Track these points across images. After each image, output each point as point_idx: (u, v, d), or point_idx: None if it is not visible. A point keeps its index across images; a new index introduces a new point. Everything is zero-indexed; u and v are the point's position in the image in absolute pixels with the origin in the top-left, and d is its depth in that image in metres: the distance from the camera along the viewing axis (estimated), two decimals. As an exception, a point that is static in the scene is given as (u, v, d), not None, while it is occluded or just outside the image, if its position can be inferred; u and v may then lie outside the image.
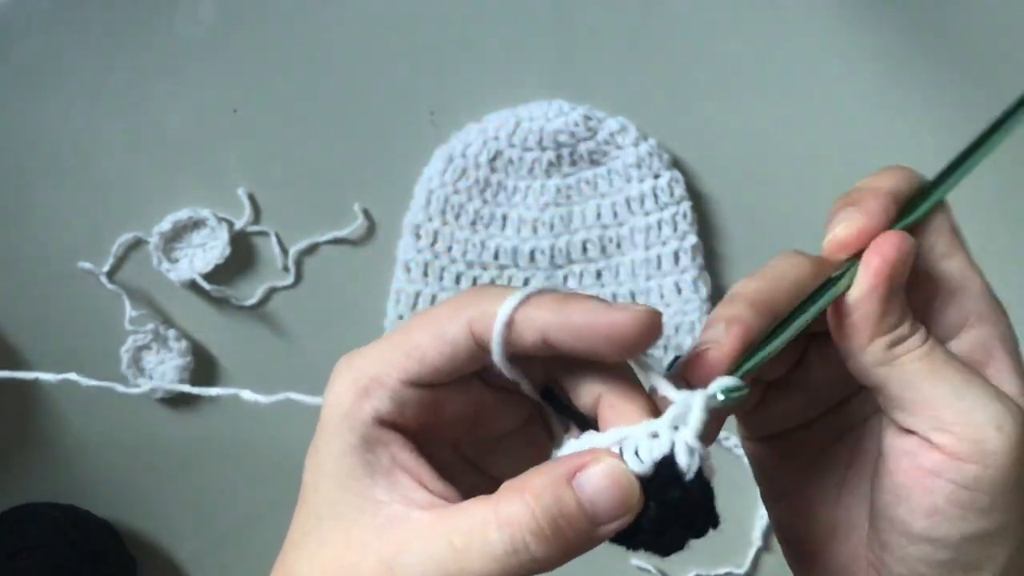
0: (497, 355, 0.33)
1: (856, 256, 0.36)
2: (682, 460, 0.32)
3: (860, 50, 0.72)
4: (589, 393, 0.35)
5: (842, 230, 0.36)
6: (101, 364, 0.73)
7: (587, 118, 0.70)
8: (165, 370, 0.73)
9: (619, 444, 0.32)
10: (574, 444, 0.33)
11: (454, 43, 0.73)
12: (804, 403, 0.40)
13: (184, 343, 0.73)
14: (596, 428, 0.34)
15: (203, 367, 0.74)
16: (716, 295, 0.73)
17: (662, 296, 0.72)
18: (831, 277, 0.36)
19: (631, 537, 0.33)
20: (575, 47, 0.72)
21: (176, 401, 0.75)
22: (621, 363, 0.34)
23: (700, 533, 0.34)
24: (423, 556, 0.31)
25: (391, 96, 0.73)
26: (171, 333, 0.73)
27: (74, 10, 0.72)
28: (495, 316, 0.33)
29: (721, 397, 0.33)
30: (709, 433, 0.33)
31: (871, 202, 0.36)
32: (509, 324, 0.33)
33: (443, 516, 0.32)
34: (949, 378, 0.34)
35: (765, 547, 0.74)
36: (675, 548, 0.34)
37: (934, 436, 0.34)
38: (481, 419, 0.37)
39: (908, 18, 0.73)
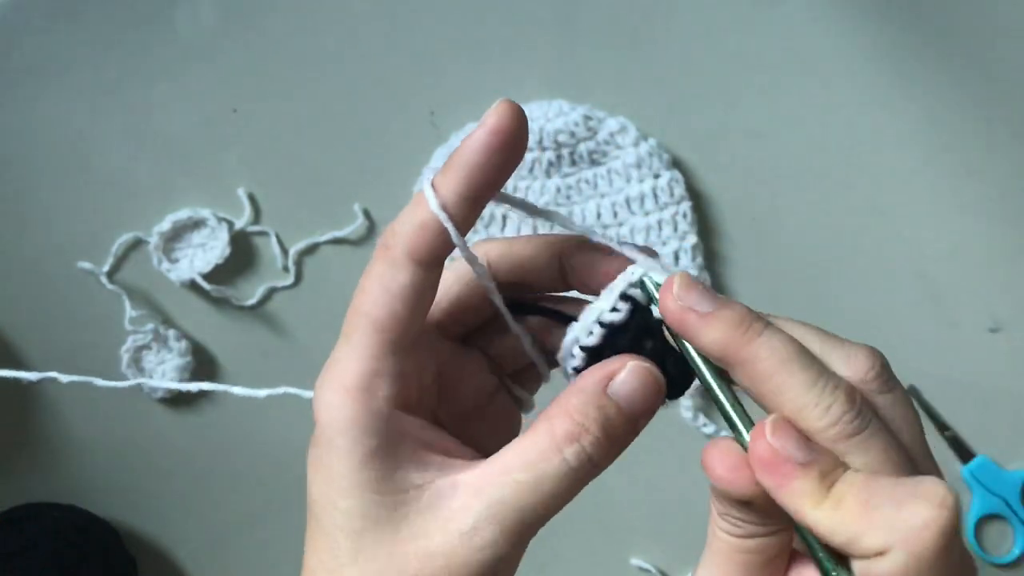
0: (454, 235, 0.34)
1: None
2: (640, 295, 0.36)
3: (860, 50, 0.72)
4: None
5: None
6: (101, 364, 0.73)
7: (587, 118, 0.70)
8: (165, 370, 0.73)
9: (601, 311, 0.36)
10: (568, 331, 0.36)
11: (454, 43, 0.73)
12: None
13: (184, 343, 0.73)
14: (571, 319, 0.37)
15: (203, 367, 0.74)
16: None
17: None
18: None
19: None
20: (575, 47, 0.72)
21: (176, 401, 0.75)
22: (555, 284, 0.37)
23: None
24: (492, 505, 0.33)
25: (391, 96, 0.73)
26: (171, 333, 0.73)
27: (74, 10, 0.72)
28: (419, 220, 0.33)
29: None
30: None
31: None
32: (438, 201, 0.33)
33: (494, 465, 0.33)
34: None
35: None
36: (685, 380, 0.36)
37: None
38: (450, 384, 0.37)
39: (908, 18, 0.73)
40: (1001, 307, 0.73)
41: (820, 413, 0.32)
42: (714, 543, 0.35)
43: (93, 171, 0.73)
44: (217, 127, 0.73)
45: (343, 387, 0.34)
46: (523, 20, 0.72)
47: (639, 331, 0.36)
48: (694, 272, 0.72)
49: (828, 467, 0.32)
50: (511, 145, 0.33)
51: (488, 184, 0.33)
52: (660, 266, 0.36)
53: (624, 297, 0.35)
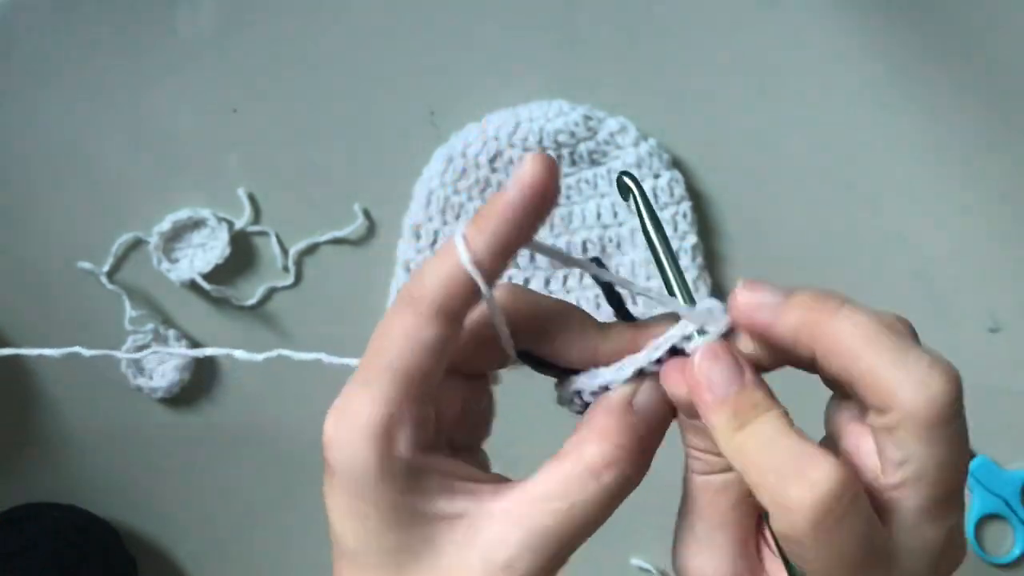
0: (484, 291, 0.33)
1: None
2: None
3: (860, 50, 0.72)
4: (577, 350, 0.36)
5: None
6: (101, 364, 0.73)
7: (587, 118, 0.70)
8: (165, 370, 0.73)
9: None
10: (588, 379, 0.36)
11: (454, 43, 0.73)
12: None
13: (184, 343, 0.73)
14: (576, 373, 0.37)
15: (203, 367, 0.74)
16: (716, 295, 0.73)
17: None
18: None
19: None
20: (575, 47, 0.72)
21: (176, 401, 0.75)
22: (589, 324, 0.37)
23: None
24: (530, 535, 0.33)
25: (391, 96, 0.73)
26: (171, 333, 0.73)
27: (74, 10, 0.72)
28: (445, 269, 0.33)
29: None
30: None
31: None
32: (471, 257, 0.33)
33: (527, 494, 0.33)
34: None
35: (765, 547, 0.75)
36: None
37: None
38: (470, 412, 0.37)
39: (908, 18, 0.73)
40: (1001, 307, 0.73)
41: (915, 390, 0.31)
42: (685, 487, 0.36)
43: (93, 171, 0.73)
44: (217, 127, 0.73)
45: (362, 432, 0.33)
46: (523, 20, 0.72)
47: None
48: (694, 272, 0.72)
49: (744, 407, 0.33)
50: (545, 200, 0.33)
51: (521, 239, 0.33)
52: (701, 320, 0.35)
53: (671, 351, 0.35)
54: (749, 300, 0.34)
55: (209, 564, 0.77)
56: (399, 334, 0.34)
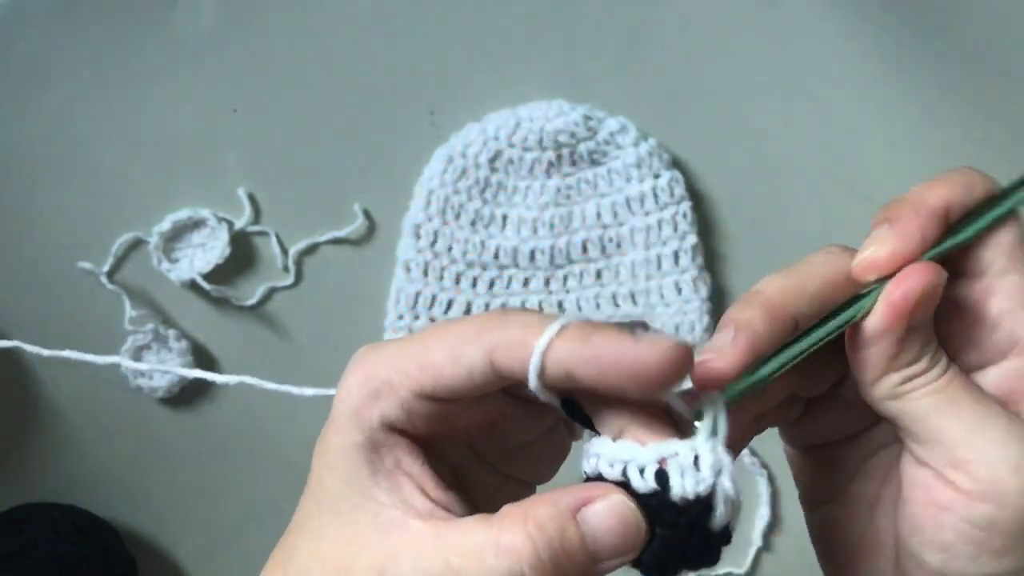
0: (534, 385, 0.32)
1: (887, 277, 0.34)
2: (720, 507, 0.31)
3: (860, 50, 0.72)
4: (613, 423, 0.33)
5: (872, 252, 0.34)
6: (101, 364, 0.73)
7: (587, 118, 0.70)
8: (165, 370, 0.73)
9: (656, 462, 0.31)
10: (600, 445, 0.33)
11: (454, 43, 0.73)
12: (845, 418, 0.38)
13: (184, 343, 0.73)
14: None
15: (203, 367, 0.74)
16: (716, 295, 0.73)
17: (662, 296, 0.72)
18: (858, 294, 0.34)
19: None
20: (575, 47, 0.72)
21: (176, 401, 0.75)
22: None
23: (697, 567, 0.32)
24: (418, 568, 0.31)
25: (391, 96, 0.73)
26: (171, 333, 0.73)
27: (74, 10, 0.72)
28: (519, 345, 0.31)
29: (722, 425, 0.32)
30: (733, 448, 0.32)
31: (909, 221, 0.34)
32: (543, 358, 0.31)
33: (441, 532, 0.32)
34: (965, 414, 0.33)
35: (765, 547, 0.74)
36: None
37: (947, 473, 0.33)
38: (499, 429, 0.36)
39: (908, 18, 0.73)
40: (1001, 307, 0.73)
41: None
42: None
43: (93, 171, 0.73)
44: (217, 127, 0.73)
45: (362, 381, 0.33)
46: (523, 20, 0.72)
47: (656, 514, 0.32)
48: (694, 272, 0.72)
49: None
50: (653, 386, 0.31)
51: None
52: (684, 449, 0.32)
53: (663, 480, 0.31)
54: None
55: (209, 564, 0.77)
56: (452, 338, 0.32)
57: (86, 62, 0.72)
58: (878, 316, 0.33)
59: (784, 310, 0.34)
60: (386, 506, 0.33)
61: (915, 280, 0.33)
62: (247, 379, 0.44)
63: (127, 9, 0.72)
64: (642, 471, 0.31)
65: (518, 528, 0.31)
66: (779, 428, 0.39)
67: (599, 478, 0.32)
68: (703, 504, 0.31)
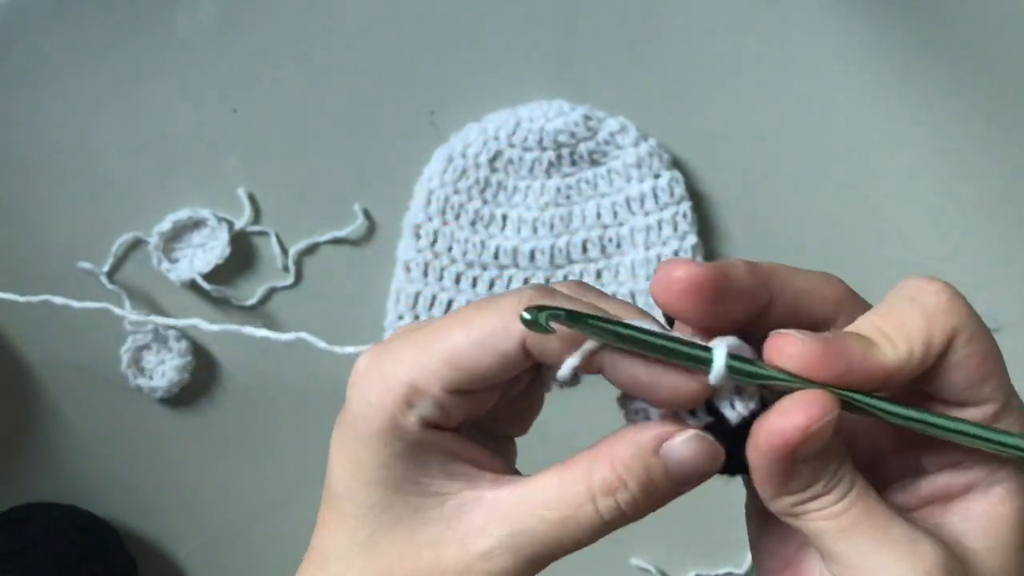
0: (566, 374, 0.32)
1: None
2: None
3: (860, 50, 0.72)
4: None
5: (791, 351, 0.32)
6: (101, 364, 0.73)
7: (587, 118, 0.70)
8: (165, 370, 0.73)
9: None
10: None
11: (454, 43, 0.73)
12: None
13: (184, 343, 0.73)
14: None
15: (203, 367, 0.74)
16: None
17: (662, 296, 0.72)
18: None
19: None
20: (575, 47, 0.72)
21: (176, 401, 0.75)
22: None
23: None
24: (513, 535, 0.32)
25: (391, 96, 0.73)
26: (171, 333, 0.73)
27: (74, 10, 0.72)
28: (554, 337, 0.31)
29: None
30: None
31: (833, 347, 0.32)
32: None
33: (523, 492, 0.33)
34: (858, 539, 0.32)
35: (765, 547, 0.74)
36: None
37: None
38: (508, 408, 0.36)
39: (908, 18, 0.73)
40: (1001, 307, 0.73)
41: None
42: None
43: (93, 171, 0.73)
44: (217, 127, 0.73)
45: (389, 385, 0.32)
46: (523, 20, 0.72)
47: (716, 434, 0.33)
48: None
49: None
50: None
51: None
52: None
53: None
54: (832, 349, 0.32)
55: (209, 564, 0.77)
56: (479, 326, 0.32)
57: (86, 62, 0.72)
58: (759, 448, 0.32)
59: (768, 277, 0.34)
60: (451, 495, 0.33)
61: (797, 418, 0.31)
62: (304, 335, 0.42)
63: (127, 9, 0.72)
64: (692, 411, 0.33)
65: (607, 471, 0.32)
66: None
67: None
68: (755, 415, 0.32)
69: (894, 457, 0.35)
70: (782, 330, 0.32)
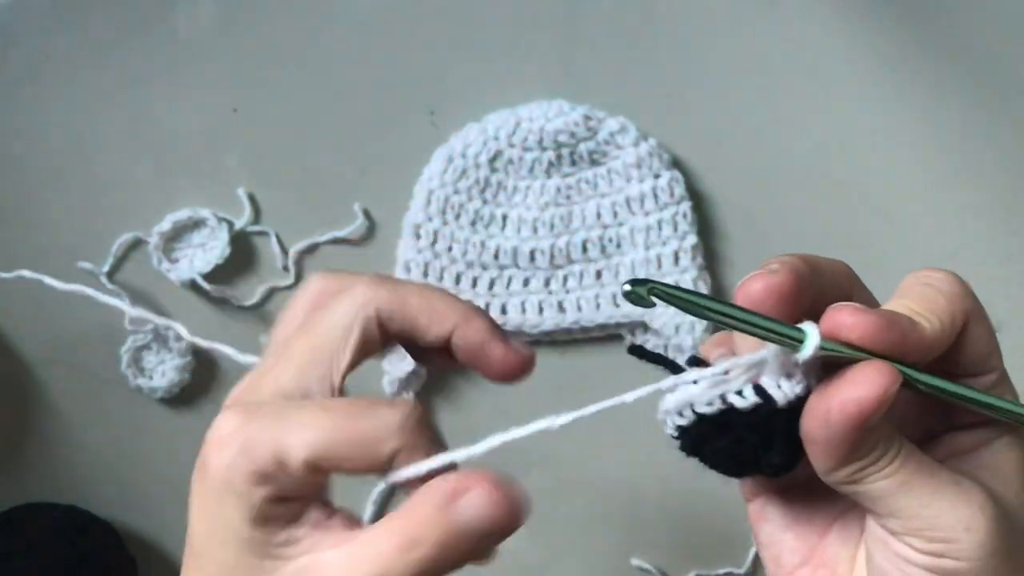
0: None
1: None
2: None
3: (860, 50, 0.72)
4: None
5: (849, 324, 0.34)
6: (101, 364, 0.73)
7: (587, 118, 0.70)
8: (165, 370, 0.73)
9: (748, 372, 0.35)
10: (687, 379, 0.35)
11: (454, 43, 0.73)
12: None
13: (184, 343, 0.73)
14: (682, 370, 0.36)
15: (204, 367, 0.74)
16: (716, 295, 0.73)
17: (662, 296, 0.71)
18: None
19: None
20: (575, 47, 0.72)
21: (176, 401, 0.75)
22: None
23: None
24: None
25: (391, 96, 0.73)
26: (171, 333, 0.73)
27: (74, 10, 0.72)
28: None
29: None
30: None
31: (895, 325, 0.34)
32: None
33: (354, 551, 0.33)
34: (916, 491, 0.34)
35: (765, 547, 0.74)
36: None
37: (906, 539, 0.35)
38: None
39: (908, 18, 0.73)
40: (1001, 307, 0.73)
41: None
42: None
43: (93, 171, 0.73)
44: (217, 127, 0.73)
45: (247, 457, 0.34)
46: (523, 20, 0.72)
47: (753, 421, 0.35)
48: (694, 272, 0.72)
49: None
50: None
51: None
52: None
53: (756, 389, 0.34)
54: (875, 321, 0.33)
55: (209, 564, 0.77)
56: (367, 430, 0.34)
57: (86, 62, 0.72)
58: (830, 419, 0.33)
59: (813, 270, 0.35)
60: (291, 559, 0.34)
61: (871, 387, 0.33)
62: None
63: (127, 9, 0.72)
64: (740, 392, 0.34)
65: (407, 526, 0.32)
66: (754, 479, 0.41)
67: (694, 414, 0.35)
68: (801, 401, 0.34)
69: (913, 422, 0.38)
70: (841, 303, 0.34)
